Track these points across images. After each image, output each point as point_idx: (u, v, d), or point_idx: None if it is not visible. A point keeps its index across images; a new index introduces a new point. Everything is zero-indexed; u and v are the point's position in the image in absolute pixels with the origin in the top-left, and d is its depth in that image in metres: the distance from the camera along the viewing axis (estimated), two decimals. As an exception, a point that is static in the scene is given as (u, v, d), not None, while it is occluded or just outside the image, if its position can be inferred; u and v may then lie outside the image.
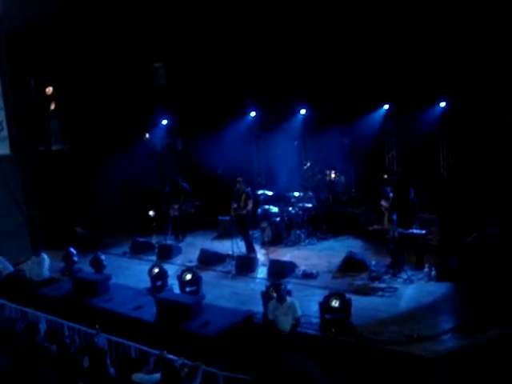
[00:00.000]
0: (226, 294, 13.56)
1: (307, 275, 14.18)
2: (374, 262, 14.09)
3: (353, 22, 16.44)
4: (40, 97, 19.19)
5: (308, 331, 11.05)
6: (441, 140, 17.72)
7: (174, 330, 11.25)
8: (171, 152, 21.86)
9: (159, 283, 13.77)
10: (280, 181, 19.18)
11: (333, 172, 19.98)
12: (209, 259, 15.96)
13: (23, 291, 13.92)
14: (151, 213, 19.46)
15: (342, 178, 19.96)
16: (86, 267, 15.61)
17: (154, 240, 18.22)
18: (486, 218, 13.87)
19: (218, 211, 18.68)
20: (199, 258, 16.14)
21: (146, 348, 9.20)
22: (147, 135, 21.43)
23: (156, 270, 13.96)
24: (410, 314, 11.61)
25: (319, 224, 17.66)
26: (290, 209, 17.51)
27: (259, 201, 18.48)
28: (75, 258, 16.09)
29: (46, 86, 19.09)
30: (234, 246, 15.75)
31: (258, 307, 11.89)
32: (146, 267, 14.49)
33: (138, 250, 17.61)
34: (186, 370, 7.83)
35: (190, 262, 16.08)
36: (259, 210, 18.03)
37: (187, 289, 13.27)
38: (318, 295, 12.00)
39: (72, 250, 16.19)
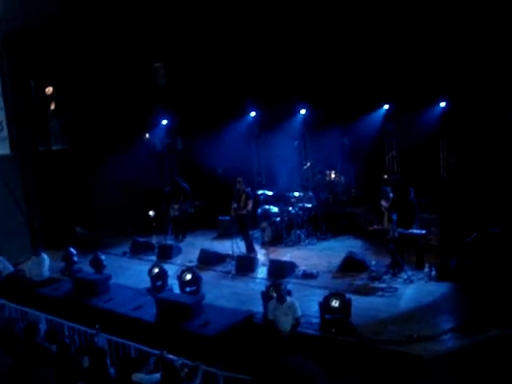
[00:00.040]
0: (226, 293, 13.56)
1: (307, 275, 14.18)
2: (374, 262, 14.09)
3: (353, 22, 16.43)
4: (40, 97, 19.19)
5: (308, 331, 11.05)
6: (441, 140, 17.72)
7: (174, 330, 11.25)
8: (171, 152, 21.86)
9: (159, 283, 13.77)
10: (280, 181, 19.19)
11: (333, 172, 19.98)
12: (209, 259, 15.96)
13: (23, 291, 13.92)
14: (151, 213, 19.47)
15: (342, 178, 19.96)
16: (86, 267, 15.62)
17: (154, 240, 18.22)
18: (485, 218, 13.87)
19: (218, 211, 18.68)
20: (199, 258, 16.14)
21: (146, 348, 9.20)
22: (147, 135, 21.43)
23: (156, 270, 13.97)
24: (410, 314, 11.61)
25: (319, 224, 17.66)
26: (290, 209, 17.52)
27: (259, 201, 18.49)
28: (75, 258, 16.09)
29: (46, 86, 19.08)
30: (233, 246, 15.75)
31: (258, 307, 11.89)
32: (146, 267, 14.49)
33: (138, 250, 17.61)
34: (186, 369, 7.83)
35: (190, 262, 16.08)
36: (259, 210, 18.03)
37: (187, 289, 13.27)
38: (318, 295, 12.01)
39: (72, 249, 16.19)
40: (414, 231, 13.60)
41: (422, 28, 15.48)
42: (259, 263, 15.43)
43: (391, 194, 14.33)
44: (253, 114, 20.03)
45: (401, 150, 19.07)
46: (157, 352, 8.51)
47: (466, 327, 10.43)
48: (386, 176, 19.09)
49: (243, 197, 16.27)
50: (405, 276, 13.32)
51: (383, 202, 14.16)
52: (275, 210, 17.93)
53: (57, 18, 16.70)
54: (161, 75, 20.73)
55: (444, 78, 15.74)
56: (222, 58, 18.54)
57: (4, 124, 17.96)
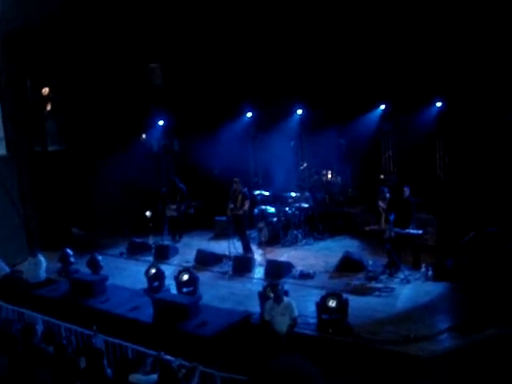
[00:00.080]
0: (222, 294, 13.57)
1: (304, 275, 14.19)
2: (370, 262, 14.09)
3: (349, 23, 16.43)
4: (36, 97, 19.15)
5: (305, 331, 11.07)
6: (437, 140, 17.73)
7: (171, 330, 11.26)
8: (168, 153, 21.85)
9: (156, 284, 13.77)
10: (277, 181, 19.18)
11: (329, 172, 19.99)
12: (206, 260, 15.96)
13: (20, 292, 13.90)
14: (148, 213, 19.45)
15: (339, 178, 19.97)
16: (82, 268, 15.60)
17: (151, 241, 18.19)
18: (482, 217, 13.90)
19: (215, 212, 18.67)
20: (196, 258, 16.14)
21: (143, 349, 9.20)
22: (144, 136, 21.40)
23: (153, 271, 13.96)
24: (407, 314, 11.64)
25: (316, 224, 17.67)
26: (287, 209, 17.52)
27: (256, 201, 18.49)
28: (72, 259, 16.06)
29: (43, 87, 19.05)
30: (230, 247, 15.75)
31: (255, 307, 11.90)
32: (143, 268, 14.49)
33: (135, 251, 17.59)
34: (183, 370, 7.83)
35: (187, 262, 16.07)
36: (256, 211, 18.04)
37: (184, 289, 13.28)
38: (315, 295, 12.03)
39: (69, 250, 16.16)
40: (411, 231, 13.62)
41: (418, 28, 15.49)
42: (256, 263, 15.43)
43: (388, 194, 14.34)
44: (249, 114, 20.01)
45: (397, 150, 19.07)
46: (154, 353, 8.51)
47: (463, 327, 10.45)
48: (382, 176, 19.08)
49: (240, 197, 16.28)
50: (402, 276, 13.35)
51: (380, 203, 14.17)
52: (272, 210, 17.94)
53: (54, 19, 16.67)
54: (157, 76, 20.71)
55: (440, 78, 15.76)
56: (219, 58, 18.53)
57: (0, 124, 17.93)
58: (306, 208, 17.56)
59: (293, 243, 17.07)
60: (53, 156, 19.27)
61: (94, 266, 15.30)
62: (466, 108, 15.91)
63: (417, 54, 15.83)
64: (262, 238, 17.31)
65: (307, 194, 17.90)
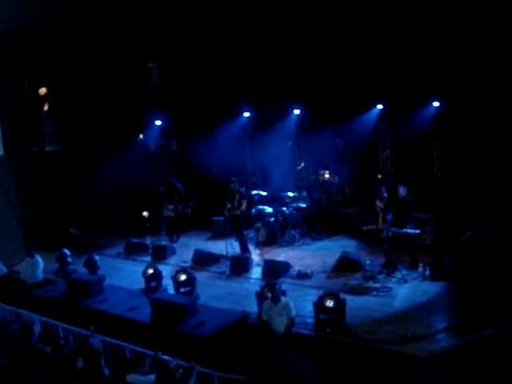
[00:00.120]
0: (220, 294, 13.57)
1: (302, 275, 14.19)
2: (368, 262, 14.08)
3: (346, 23, 16.44)
4: (33, 97, 19.13)
5: (303, 331, 11.07)
6: (434, 139, 17.74)
7: (169, 330, 11.25)
8: (165, 153, 21.84)
9: (153, 284, 13.77)
10: (274, 181, 19.18)
11: (327, 172, 19.98)
12: (203, 260, 15.96)
13: (17, 293, 13.90)
14: (145, 213, 19.44)
15: (336, 178, 19.97)
16: (80, 268, 15.59)
17: (148, 241, 18.19)
18: (479, 217, 13.91)
19: (212, 211, 18.66)
20: (193, 258, 16.13)
21: (140, 349, 9.19)
22: (141, 136, 21.39)
23: (150, 271, 13.96)
24: (405, 314, 11.64)
25: (313, 224, 17.67)
26: (284, 209, 17.53)
27: (253, 201, 18.49)
28: (69, 259, 16.05)
29: (40, 87, 19.04)
30: (228, 247, 15.76)
31: (252, 307, 11.91)
32: (140, 268, 14.49)
33: (132, 251, 17.58)
34: (180, 370, 7.83)
35: (185, 262, 16.06)
36: (253, 210, 18.04)
37: (181, 289, 13.28)
38: (313, 295, 12.03)
39: (66, 251, 16.15)
40: (408, 231, 13.62)
41: (415, 28, 15.51)
42: (253, 263, 15.43)
43: (385, 194, 14.35)
44: (247, 114, 20.01)
45: (395, 150, 19.08)
46: (151, 353, 8.51)
47: (460, 326, 10.46)
48: (379, 176, 19.10)
49: (237, 197, 16.28)
50: (399, 275, 13.35)
51: (378, 203, 14.17)
52: (269, 210, 17.95)
53: (51, 19, 16.67)
54: (155, 75, 20.70)
55: (437, 77, 15.77)
56: (216, 58, 18.53)
57: (-3, 125, 17.94)
58: (303, 208, 17.56)
59: (290, 243, 17.07)
60: (50, 156, 19.26)
61: (92, 266, 15.29)
62: (463, 108, 15.93)
63: (414, 54, 15.84)
64: (260, 238, 17.32)
65: (304, 193, 17.90)
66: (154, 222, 18.97)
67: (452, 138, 17.02)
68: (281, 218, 17.42)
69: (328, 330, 10.86)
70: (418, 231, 13.81)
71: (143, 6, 17.78)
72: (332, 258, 14.92)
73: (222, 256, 15.88)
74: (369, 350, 10.26)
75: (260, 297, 11.69)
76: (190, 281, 13.30)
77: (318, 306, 11.11)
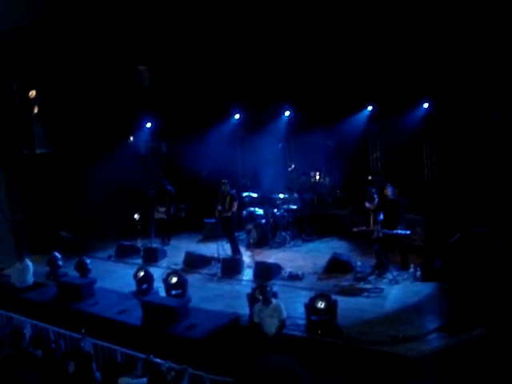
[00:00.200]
0: (211, 296, 13.55)
1: (293, 277, 14.20)
2: (359, 263, 14.11)
3: (335, 26, 16.47)
4: (23, 100, 19.09)
5: (294, 333, 11.06)
6: (424, 141, 17.84)
7: (160, 333, 11.23)
8: (155, 155, 21.84)
9: (145, 286, 13.73)
10: (265, 183, 19.23)
11: (317, 174, 20.05)
12: (194, 262, 15.94)
13: (7, 297, 13.85)
14: (136, 216, 19.41)
15: (327, 179, 20.04)
16: (71, 271, 15.54)
17: (139, 243, 18.14)
18: (469, 218, 13.97)
19: (204, 214, 18.65)
20: (185, 260, 16.11)
21: (132, 352, 9.17)
22: (131, 138, 21.37)
23: (141, 274, 13.92)
24: (396, 315, 11.66)
25: (304, 226, 17.69)
26: (275, 211, 17.55)
27: (244, 203, 18.52)
28: (60, 263, 15.98)
29: (29, 90, 18.99)
30: (219, 249, 15.75)
31: (243, 309, 11.90)
32: (132, 271, 14.46)
33: (123, 254, 17.53)
34: (172, 373, 7.82)
35: (176, 264, 16.02)
36: (244, 212, 18.07)
37: (173, 292, 13.24)
38: (304, 297, 12.03)
39: (57, 254, 16.09)
40: (399, 232, 13.65)
41: (404, 30, 15.56)
42: (245, 265, 15.43)
43: (376, 195, 14.37)
44: (237, 116, 20.05)
45: (385, 151, 19.16)
46: (143, 356, 8.50)
47: (451, 327, 10.49)
48: (370, 177, 19.16)
49: (228, 199, 16.27)
50: (390, 277, 13.38)
51: (367, 204, 14.18)
52: (260, 211, 17.99)
53: (41, 22, 16.64)
54: (145, 78, 20.71)
55: (427, 79, 15.84)
56: (207, 60, 18.53)
57: (-13, 128, 17.90)
58: (294, 209, 17.59)
59: (281, 245, 17.10)
60: (40, 159, 19.22)
61: (83, 269, 15.22)
62: (453, 109, 16.00)
63: (404, 56, 15.90)
64: (251, 240, 17.34)
65: (295, 195, 17.93)
66: (145, 224, 18.95)
67: (442, 139, 17.11)
68: (272, 220, 17.44)
69: (319, 332, 10.86)
70: (408, 232, 13.85)
71: (133, 9, 17.75)
72: (323, 260, 14.95)
73: (213, 258, 15.86)
74: (360, 350, 10.27)
75: (251, 299, 11.68)
76: (182, 283, 13.27)
77: (310, 307, 11.11)
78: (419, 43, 15.50)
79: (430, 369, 9.88)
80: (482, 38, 14.54)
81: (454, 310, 11.25)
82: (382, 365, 9.91)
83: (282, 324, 10.72)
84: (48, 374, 7.52)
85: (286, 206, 17.60)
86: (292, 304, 11.98)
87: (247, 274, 14.95)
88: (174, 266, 15.70)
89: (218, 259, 15.61)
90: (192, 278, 14.36)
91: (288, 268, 14.70)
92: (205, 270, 15.52)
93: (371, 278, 13.61)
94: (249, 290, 12.15)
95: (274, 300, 10.94)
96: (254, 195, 19.08)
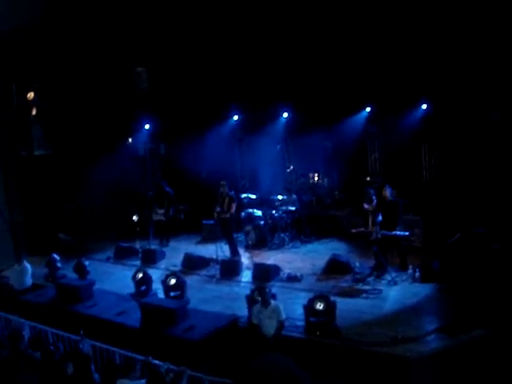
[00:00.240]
0: (210, 298, 13.54)
1: (292, 278, 14.19)
2: (358, 264, 14.11)
3: (334, 27, 16.47)
4: (21, 102, 19.09)
5: (293, 334, 11.05)
6: (423, 142, 17.84)
7: (159, 334, 11.22)
8: (154, 156, 21.84)
9: (143, 288, 13.71)
10: (263, 184, 19.23)
11: (316, 175, 20.05)
12: (193, 263, 15.92)
13: (6, 298, 13.84)
14: (135, 218, 19.41)
15: (325, 180, 20.04)
16: (69, 273, 15.51)
17: (138, 245, 18.12)
18: (468, 219, 13.97)
19: (202, 215, 18.64)
20: (183, 262, 16.10)
21: (130, 354, 9.17)
22: (130, 140, 21.37)
23: (140, 275, 13.90)
24: (395, 316, 11.65)
25: (303, 227, 17.69)
26: (274, 212, 17.55)
27: (243, 204, 18.52)
28: (59, 264, 15.97)
29: (28, 92, 18.99)
30: (218, 250, 15.72)
31: (242, 311, 11.88)
32: (130, 272, 14.43)
33: (122, 255, 17.52)
34: (171, 375, 7.82)
35: (174, 266, 16.01)
36: (243, 214, 18.08)
37: (171, 293, 13.22)
38: (303, 298, 12.03)
39: (55, 255, 16.07)
40: (397, 233, 13.64)
41: (404, 31, 15.55)
42: (243, 267, 15.42)
43: (374, 196, 14.37)
44: (235, 117, 20.06)
45: (383, 152, 19.16)
46: (142, 357, 8.49)
47: (450, 328, 10.48)
48: (368, 178, 19.16)
49: (227, 200, 16.25)
50: (389, 278, 13.37)
51: (366, 205, 14.17)
52: (259, 213, 17.99)
53: (39, 23, 16.64)
54: (143, 80, 20.70)
55: (425, 79, 15.84)
56: (205, 62, 18.53)
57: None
58: (292, 211, 17.59)
59: (280, 246, 17.10)
60: (39, 160, 19.22)
61: (81, 270, 15.21)
62: (452, 110, 16.01)
63: (402, 57, 15.89)
64: (249, 242, 17.35)
65: (294, 196, 17.93)
66: (143, 226, 18.93)
67: (440, 140, 17.12)
68: (270, 221, 17.44)
69: (318, 333, 10.85)
70: (407, 233, 13.83)
71: (132, 10, 17.75)
72: (322, 261, 14.94)
73: (211, 260, 15.84)
74: (359, 352, 10.26)
75: (250, 300, 11.68)
76: (180, 285, 13.26)
77: (308, 308, 11.10)
78: (418, 44, 15.50)
79: (428, 370, 9.88)
80: (480, 38, 14.54)
81: (452, 311, 11.25)
82: (381, 366, 9.90)
83: (281, 325, 10.71)
84: (46, 375, 7.51)
85: (284, 208, 17.60)
86: (291, 305, 11.96)
87: (246, 276, 14.94)
88: (172, 268, 15.69)
89: (216, 261, 15.59)
90: (191, 280, 14.35)
91: (287, 269, 14.69)
92: (203, 272, 15.51)
93: (370, 279, 13.59)
94: (247, 292, 12.13)
95: (272, 301, 10.94)
96: (253, 196, 19.08)
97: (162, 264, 16.64)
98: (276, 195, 18.25)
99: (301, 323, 11.27)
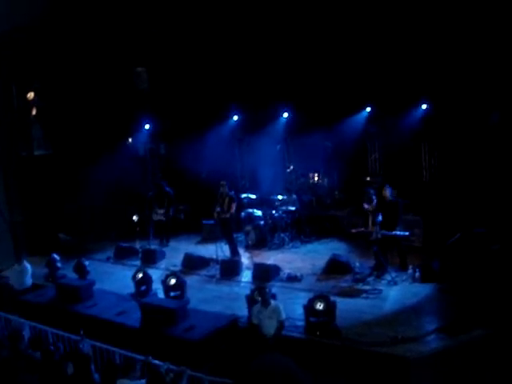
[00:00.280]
0: (210, 298, 13.54)
1: (292, 278, 14.19)
2: (358, 264, 14.11)
3: (334, 27, 16.47)
4: (21, 102, 19.10)
5: (293, 334, 11.05)
6: (423, 142, 17.84)
7: (159, 334, 11.22)
8: (154, 156, 21.84)
9: (143, 288, 13.71)
10: (263, 184, 19.22)
11: (316, 175, 20.05)
12: (193, 263, 15.92)
13: (6, 298, 13.84)
14: (135, 218, 19.40)
15: (325, 180, 20.04)
16: (69, 273, 15.52)
17: (138, 245, 18.12)
18: (468, 219, 13.96)
19: (202, 215, 18.64)
20: (183, 262, 16.10)
21: (130, 354, 9.17)
22: (130, 140, 21.37)
23: (140, 275, 13.90)
24: (395, 316, 11.65)
25: (303, 227, 17.69)
26: (274, 212, 17.55)
27: (243, 204, 18.52)
28: (59, 264, 15.97)
29: (28, 92, 18.99)
30: (218, 250, 15.72)
31: (242, 311, 11.88)
32: (130, 272, 14.43)
33: (122, 255, 17.52)
34: (171, 375, 7.82)
35: (174, 266, 16.01)
36: (243, 214, 18.08)
37: (171, 293, 13.22)
38: (303, 298, 12.03)
39: (55, 256, 16.08)
40: (398, 233, 13.64)
41: (404, 31, 15.55)
42: (243, 267, 15.42)
43: (374, 196, 14.36)
44: (235, 117, 20.06)
45: (383, 152, 19.16)
46: (142, 357, 8.49)
47: (450, 328, 10.48)
48: (368, 178, 19.16)
49: (227, 200, 16.25)
50: (389, 278, 13.37)
51: (365, 205, 14.16)
52: (259, 213, 17.99)
53: (40, 24, 16.64)
54: (143, 80, 20.70)
55: (425, 80, 15.83)
56: (205, 62, 18.52)
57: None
58: (292, 211, 17.58)
59: (280, 246, 17.10)
60: (39, 160, 19.22)
61: (81, 270, 15.21)
62: (452, 110, 16.00)
63: (402, 57, 15.88)
64: (249, 242, 17.35)
65: (294, 196, 17.93)
66: (143, 226, 18.92)
67: (440, 140, 17.11)
68: (270, 221, 17.44)
69: (318, 333, 10.85)
70: (407, 233, 13.83)
71: (132, 11, 17.75)
72: (322, 261, 14.94)
73: (211, 260, 15.84)
74: (359, 352, 10.26)
75: (250, 300, 11.68)
76: (180, 285, 13.26)
77: (308, 308, 11.10)
78: (417, 44, 15.49)
79: (428, 370, 9.89)
80: (480, 38, 14.53)
81: (452, 311, 11.25)
82: (381, 366, 9.90)
83: (281, 325, 10.72)
84: (46, 375, 7.51)
85: (284, 208, 17.59)
86: (291, 305, 11.97)
87: (246, 276, 14.95)
88: (172, 268, 15.69)
89: (216, 261, 15.59)
90: (191, 280, 14.36)
91: (287, 269, 14.69)
92: (203, 272, 15.51)
93: (370, 279, 13.59)
94: (247, 292, 12.14)
95: (272, 301, 10.94)
96: (253, 196, 19.08)
97: (162, 264, 16.64)
98: (276, 195, 18.25)
99: (301, 323, 11.28)
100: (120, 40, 18.39)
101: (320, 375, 9.00)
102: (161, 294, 13.56)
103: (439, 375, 9.75)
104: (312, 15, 16.51)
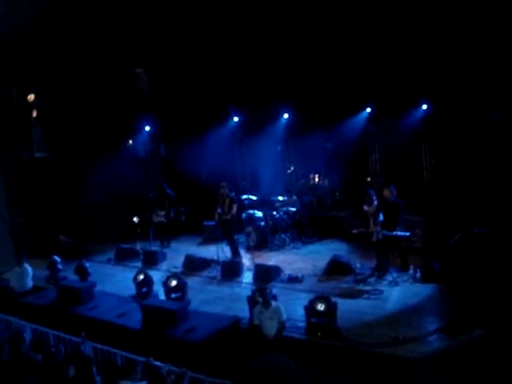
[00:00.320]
0: (211, 299, 13.54)
1: (292, 279, 14.19)
2: (359, 265, 14.12)
3: (334, 27, 16.47)
4: (22, 104, 19.10)
5: (294, 335, 11.05)
6: (423, 142, 17.82)
7: (160, 336, 11.22)
8: (154, 158, 21.84)
9: (144, 290, 13.72)
10: (264, 185, 19.21)
11: (316, 176, 20.04)
12: (194, 265, 15.92)
13: (7, 301, 13.84)
14: (135, 219, 19.39)
15: (326, 181, 20.03)
16: (70, 275, 15.54)
17: (139, 246, 18.11)
18: (468, 219, 13.96)
19: (203, 216, 18.64)
20: (184, 263, 16.10)
21: (132, 355, 9.17)
22: (130, 141, 21.37)
23: (141, 277, 13.91)
24: (396, 316, 11.64)
25: (304, 228, 17.69)
26: (275, 213, 17.55)
27: (244, 205, 18.51)
28: (60, 266, 15.98)
29: (28, 94, 19.00)
30: (219, 251, 15.73)
31: (243, 312, 11.88)
32: (131, 274, 14.44)
33: (123, 257, 17.53)
34: (172, 376, 7.82)
35: (175, 267, 16.02)
36: (244, 215, 18.07)
37: (173, 295, 13.22)
38: (304, 299, 12.01)
39: (56, 258, 16.08)
40: (398, 233, 13.64)
41: (404, 31, 15.55)
42: (244, 268, 15.43)
43: (375, 197, 14.35)
44: (236, 118, 20.06)
45: (384, 153, 19.14)
46: (143, 359, 8.49)
47: (451, 328, 10.48)
48: (369, 179, 19.15)
49: (227, 201, 16.26)
50: (390, 278, 13.37)
51: (365, 207, 14.14)
52: (260, 214, 17.98)
53: (39, 25, 16.64)
54: (143, 81, 20.71)
55: (425, 80, 15.83)
56: (205, 63, 18.53)
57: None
58: (293, 212, 17.59)
59: (281, 247, 17.11)
60: (39, 163, 19.24)
61: (82, 272, 15.23)
62: (452, 110, 15.99)
63: (402, 57, 15.88)
64: (250, 243, 17.35)
65: (294, 197, 17.94)
66: (144, 227, 18.90)
67: (440, 141, 17.09)
68: (271, 222, 17.45)
69: (319, 334, 10.85)
70: (408, 234, 13.83)
71: (131, 12, 17.75)
72: (323, 262, 14.94)
73: (213, 261, 15.84)
74: (360, 353, 10.26)
75: (251, 301, 11.67)
76: (181, 286, 13.26)
77: (309, 309, 11.10)
78: (418, 44, 15.49)
79: (429, 370, 9.88)
80: (480, 38, 14.53)
81: (453, 312, 11.24)
82: (382, 367, 9.90)
83: (282, 326, 10.72)
84: (48, 378, 7.51)
85: (285, 209, 17.60)
86: (292, 306, 11.96)
87: (247, 277, 14.95)
88: (173, 269, 15.72)
89: (217, 262, 15.60)
90: (192, 281, 14.36)
91: (288, 270, 14.69)
92: (204, 273, 15.52)
93: (371, 279, 13.60)
94: (248, 293, 12.13)
95: (273, 302, 10.94)
96: (254, 198, 19.08)
97: (163, 265, 16.65)
98: (276, 196, 18.26)
99: (302, 324, 11.28)
100: (120, 41, 18.39)
101: (321, 376, 9.01)
102: (162, 296, 13.56)
103: (440, 375, 9.74)
104: (312, 16, 16.51)
